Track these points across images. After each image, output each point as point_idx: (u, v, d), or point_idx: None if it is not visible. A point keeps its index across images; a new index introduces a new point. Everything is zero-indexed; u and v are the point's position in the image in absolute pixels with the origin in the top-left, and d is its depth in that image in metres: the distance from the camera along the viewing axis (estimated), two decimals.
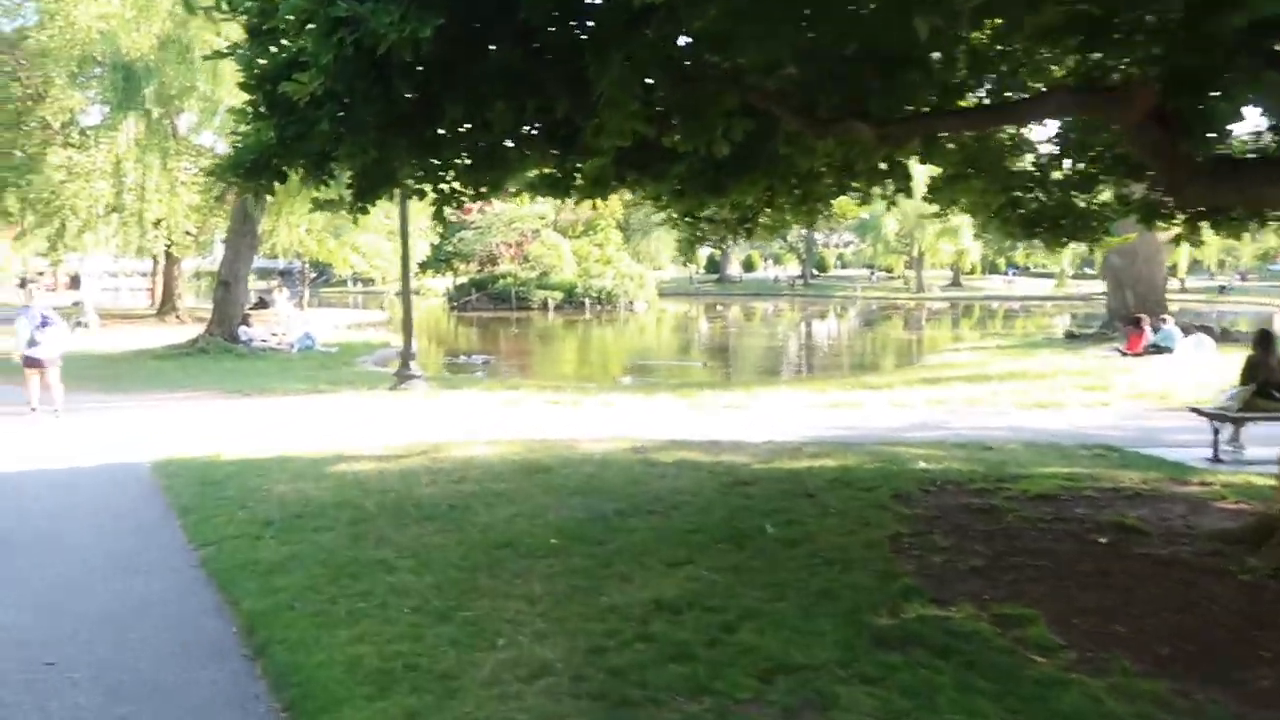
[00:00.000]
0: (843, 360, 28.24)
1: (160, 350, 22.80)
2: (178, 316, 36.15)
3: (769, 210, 7.93)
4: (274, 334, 26.44)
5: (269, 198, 22.66)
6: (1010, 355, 21.82)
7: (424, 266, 42.60)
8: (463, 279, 57.80)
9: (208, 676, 4.12)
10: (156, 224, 29.67)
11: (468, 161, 5.62)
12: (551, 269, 55.23)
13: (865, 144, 5.38)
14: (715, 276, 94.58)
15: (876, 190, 6.95)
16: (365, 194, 5.65)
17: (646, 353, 32.36)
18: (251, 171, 5.04)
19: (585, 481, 7.53)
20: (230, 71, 21.25)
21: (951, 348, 24.89)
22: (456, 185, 5.79)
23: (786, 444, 9.63)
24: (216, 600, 5.01)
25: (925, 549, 5.77)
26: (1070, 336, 25.66)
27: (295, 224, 24.62)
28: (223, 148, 32.75)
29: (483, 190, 5.92)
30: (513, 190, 6.30)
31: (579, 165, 6.07)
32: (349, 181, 5.56)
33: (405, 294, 15.84)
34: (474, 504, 6.78)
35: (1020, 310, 59.57)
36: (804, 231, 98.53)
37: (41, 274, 58.38)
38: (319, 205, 5.70)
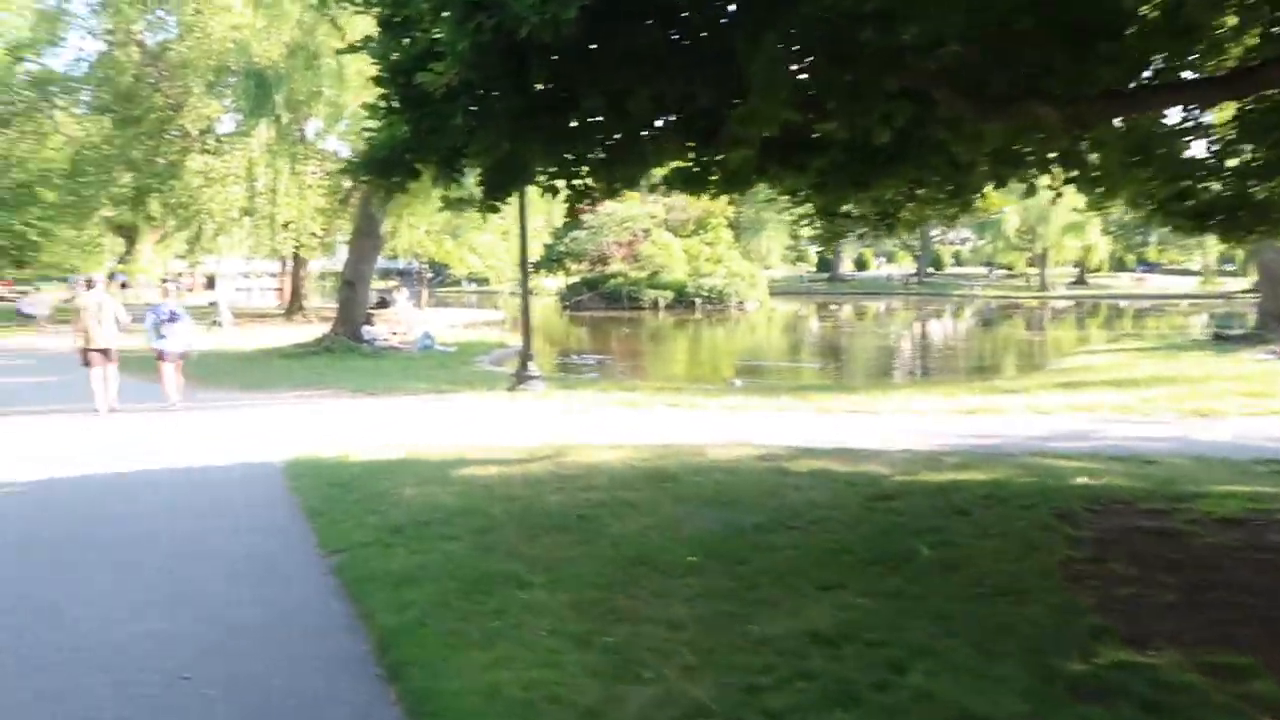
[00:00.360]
0: (967, 362, 27.03)
1: (289, 349, 23.57)
2: (304, 316, 37.50)
3: (912, 205, 7.40)
4: (394, 333, 27.07)
5: (392, 199, 23.15)
6: (1154, 358, 20.37)
7: (537, 266, 42.94)
8: (574, 278, 58.30)
9: (343, 698, 3.93)
10: (285, 226, 30.80)
11: (602, 155, 5.33)
12: (662, 268, 55.10)
13: (1047, 127, 4.84)
14: (826, 275, 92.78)
15: (1044, 180, 6.34)
16: (496, 190, 5.42)
17: (760, 353, 31.77)
18: (384, 168, 4.87)
19: (716, 492, 7.16)
20: (355, 75, 21.83)
21: (1087, 349, 23.48)
22: (590, 180, 5.51)
23: (925, 453, 9.04)
24: (349, 613, 4.86)
25: (1105, 579, 5.17)
26: (1219, 338, 23.84)
27: (416, 225, 25.10)
28: (346, 151, 33.80)
29: (616, 185, 5.62)
30: (647, 185, 5.97)
31: (717, 158, 5.71)
32: (480, 178, 5.35)
33: (524, 295, 15.80)
34: (603, 514, 6.50)
35: (1152, 309, 56.18)
36: (921, 228, 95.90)
37: (181, 274, 61.74)
38: (449, 204, 5.51)
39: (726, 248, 62.25)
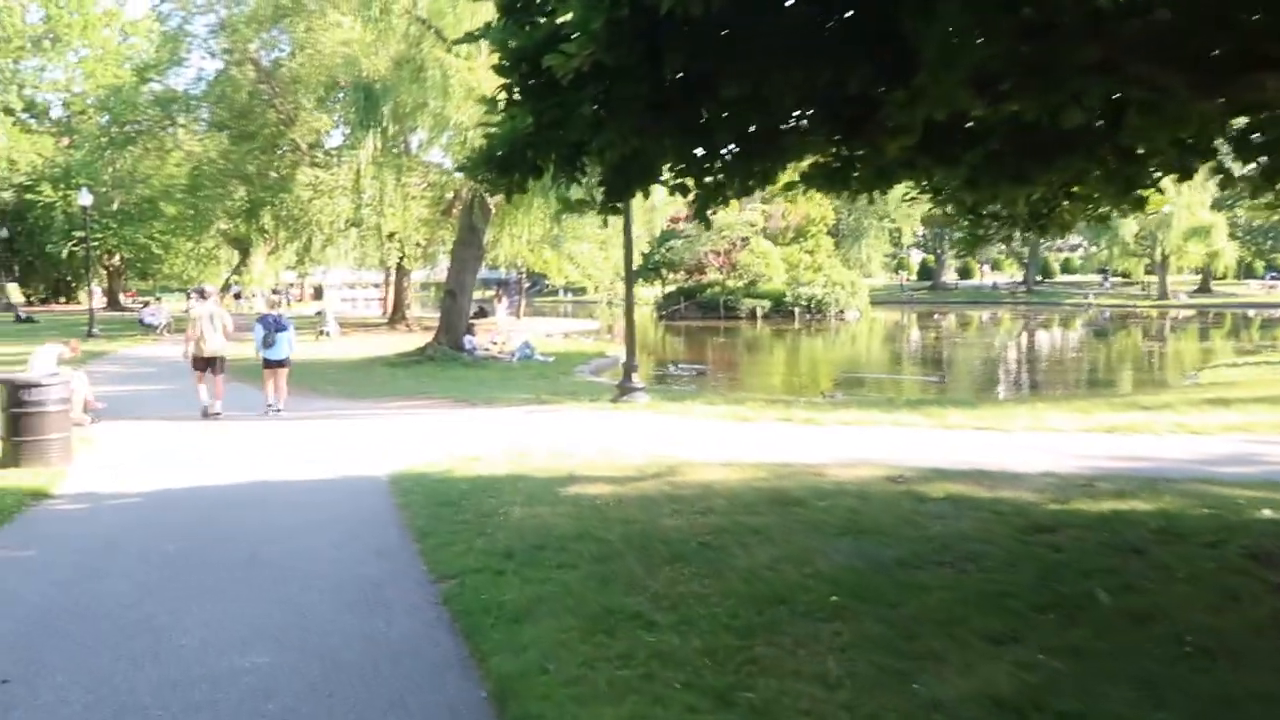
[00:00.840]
0: (1089, 375, 25.49)
1: (392, 357, 23.80)
2: (407, 325, 38.12)
3: (1070, 202, 6.65)
4: (494, 343, 27.12)
5: (510, 198, 23.20)
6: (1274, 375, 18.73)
7: (635, 275, 42.79)
8: (670, 288, 57.94)
9: None
10: (390, 237, 31.30)
11: (737, 150, 4.83)
12: (760, 277, 54.29)
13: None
14: (928, 284, 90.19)
15: (1245, 170, 5.55)
16: (619, 191, 4.98)
17: (865, 365, 30.72)
18: (504, 165, 4.47)
19: (848, 519, 6.54)
20: (458, 86, 21.93)
21: (1224, 362, 21.76)
22: (722, 177, 5.00)
23: (1073, 478, 8.20)
24: (462, 652, 4.44)
25: None
26: None
27: (518, 235, 25.05)
28: (449, 163, 34.24)
29: (751, 184, 5.11)
30: (781, 184, 5.44)
31: (861, 152, 5.15)
32: (602, 177, 4.91)
33: (629, 305, 15.39)
34: (728, 542, 5.97)
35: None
36: (1029, 235, 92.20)
37: (290, 286, 63.90)
38: (567, 206, 5.09)
39: (826, 256, 61.00)
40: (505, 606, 4.87)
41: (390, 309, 42.34)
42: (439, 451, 10.09)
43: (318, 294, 68.05)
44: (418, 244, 33.25)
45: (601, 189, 4.98)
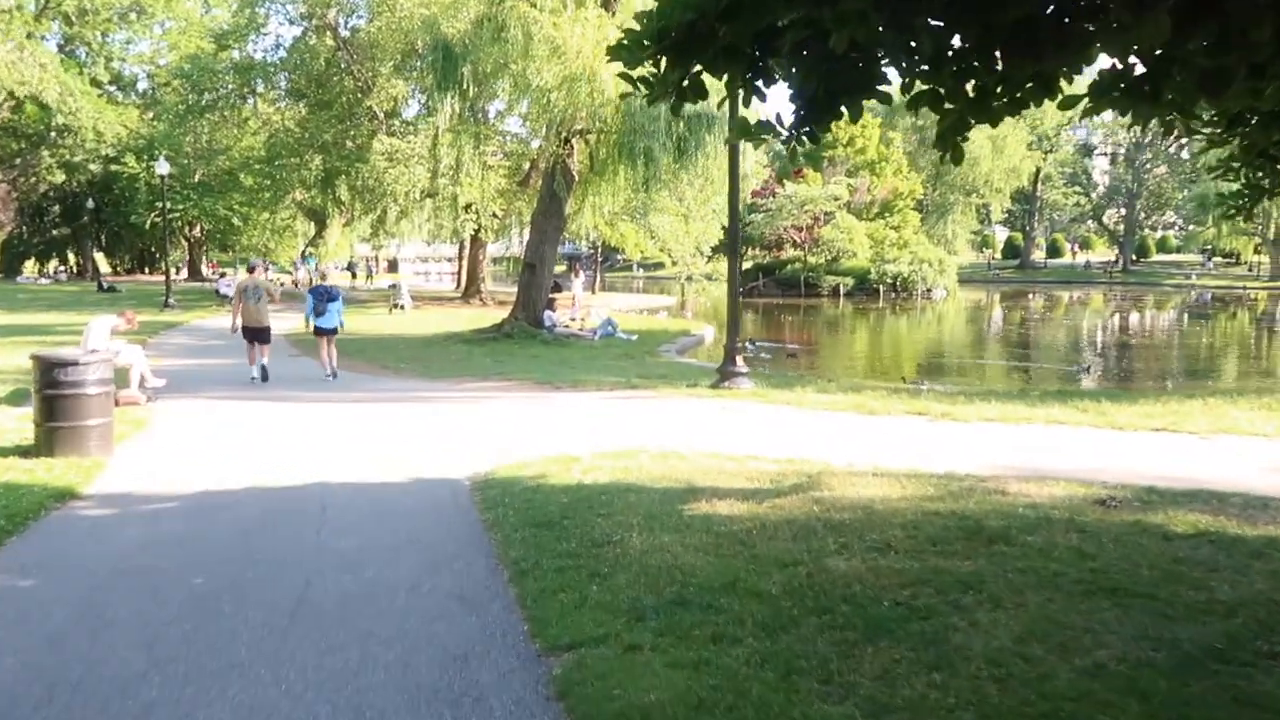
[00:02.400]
0: (1243, 365, 23.00)
1: (468, 334, 22.56)
2: (481, 299, 37.05)
3: None
4: (573, 319, 25.74)
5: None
6: None
7: (715, 251, 40.97)
8: (747, 263, 55.95)
9: None
10: (467, 208, 30.10)
11: (1014, 39, 3.16)
12: (843, 253, 51.98)
13: None
14: (1015, 262, 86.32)
15: None
16: (825, 108, 3.36)
17: (973, 349, 28.54)
18: (680, 46, 2.88)
19: (1085, 569, 4.84)
20: (542, 45, 20.44)
21: None
22: (987, 83, 3.33)
23: None
24: None
25: None
26: None
27: (600, 205, 23.49)
28: (526, 132, 32.87)
29: (1019, 96, 3.43)
30: (1058, 97, 3.72)
31: (1171, 55, 3.45)
32: (800, 85, 3.30)
33: (732, 280, 13.69)
34: (937, 605, 4.34)
35: None
36: (1123, 210, 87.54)
37: (367, 259, 63.63)
38: (745, 131, 3.47)
39: (913, 231, 58.31)
40: (650, 713, 3.33)
41: (465, 283, 41.35)
42: (526, 446, 8.65)
43: (392, 267, 67.86)
44: (494, 215, 32.01)
45: (798, 105, 3.37)
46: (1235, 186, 5.11)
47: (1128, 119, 4.28)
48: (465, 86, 21.76)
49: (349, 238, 52.53)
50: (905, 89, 3.30)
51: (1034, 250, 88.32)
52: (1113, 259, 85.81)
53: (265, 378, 13.72)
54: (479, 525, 6.03)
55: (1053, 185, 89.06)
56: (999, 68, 3.22)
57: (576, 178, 22.28)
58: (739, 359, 13.37)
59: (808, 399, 12.18)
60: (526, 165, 33.14)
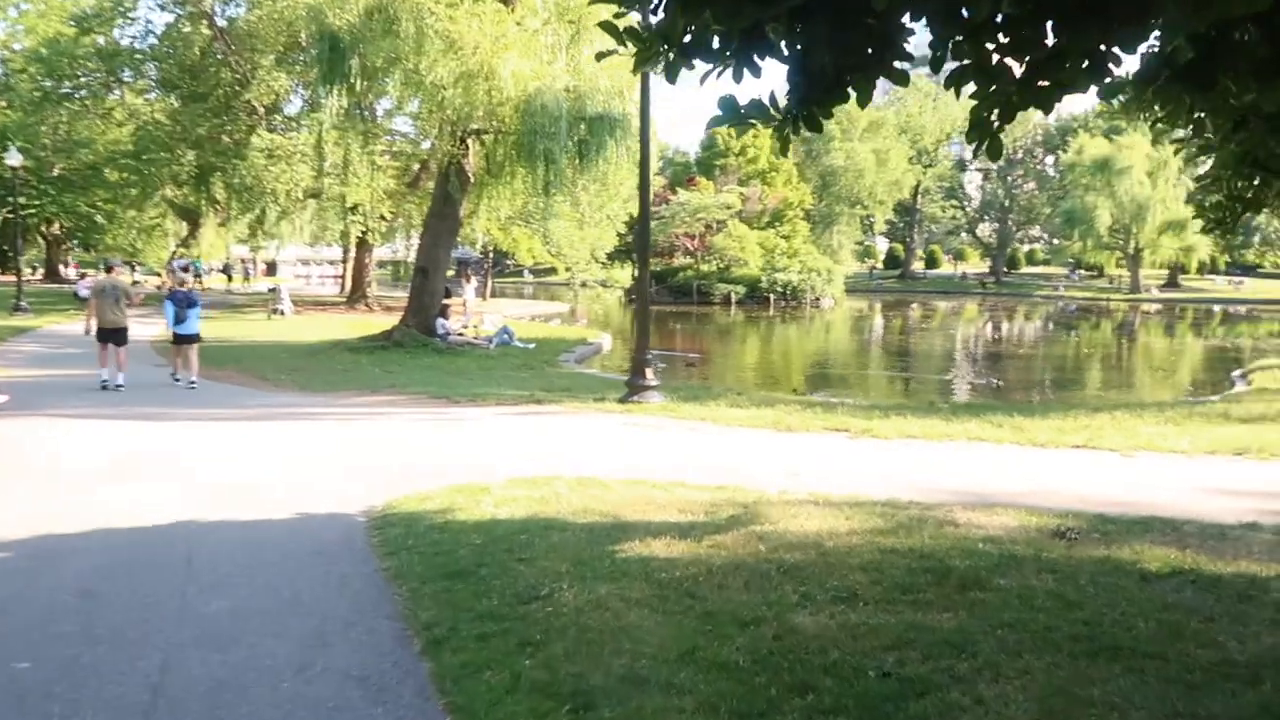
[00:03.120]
0: (1128, 376, 23.77)
1: (355, 342, 21.23)
2: (367, 305, 35.43)
3: None
4: (466, 326, 24.65)
5: (472, 176, 20.56)
6: None
7: (611, 257, 40.39)
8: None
9: None
10: (354, 209, 28.60)
11: (1043, 10, 2.58)
12: (735, 261, 52.25)
13: None
14: (897, 272, 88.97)
15: None
16: (829, 88, 2.71)
17: (874, 359, 28.78)
18: None
19: (1074, 620, 4.31)
20: (436, 40, 19.39)
21: (1273, 363, 19.99)
22: (1015, 64, 2.75)
23: None
24: None
25: None
26: None
27: (496, 207, 22.49)
28: (415, 131, 31.53)
29: (1068, 75, 2.83)
30: (1107, 79, 3.12)
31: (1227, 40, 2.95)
32: (801, 63, 2.65)
33: (642, 285, 13.05)
34: (928, 673, 3.74)
35: (1247, 315, 51.92)
36: (996, 225, 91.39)
37: (244, 261, 60.38)
38: (734, 113, 2.79)
39: (803, 241, 59.20)
40: None
41: (349, 287, 39.52)
42: (428, 473, 7.77)
43: (271, 270, 64.66)
44: (382, 217, 30.57)
45: (796, 84, 2.71)
46: (1217, 198, 4.73)
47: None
48: (353, 81, 20.47)
49: (225, 239, 49.65)
50: (935, 65, 2.67)
51: (914, 261, 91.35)
52: (986, 270, 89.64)
53: (118, 385, 13.01)
54: (379, 577, 5.15)
55: (931, 199, 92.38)
56: (1052, 40, 2.62)
57: (472, 179, 21.29)
58: (649, 372, 12.73)
59: (722, 414, 11.65)
60: (417, 166, 31.81)
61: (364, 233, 30.81)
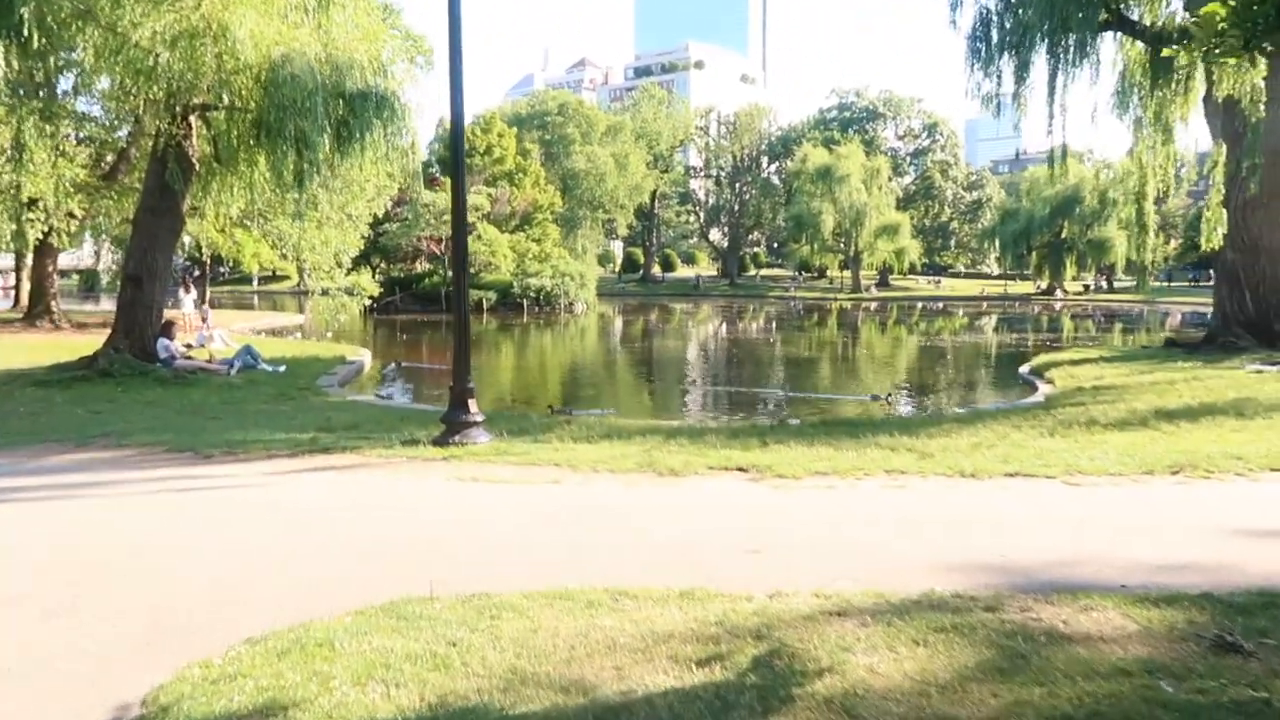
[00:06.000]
0: (930, 377, 23.82)
1: (43, 372, 16.45)
2: (52, 322, 29.21)
3: None
4: (190, 346, 20.26)
5: (197, 163, 16.58)
6: (1127, 372, 17.58)
7: (356, 262, 36.27)
8: (380, 278, 51.24)
9: None
10: (32, 204, 22.96)
11: None
12: (486, 266, 49.50)
13: None
14: (638, 276, 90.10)
15: None
16: None
17: (672, 367, 27.33)
18: None
19: None
20: None
21: (1064, 359, 20.48)
22: None
23: None
24: None
25: None
26: (1174, 344, 21.87)
27: (230, 202, 18.37)
28: (113, 109, 26.15)
29: None
30: None
31: None
32: None
33: (460, 294, 10.32)
34: None
35: (944, 309, 57.69)
36: (726, 230, 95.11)
37: None
38: None
39: (554, 245, 57.59)
40: None
41: (27, 300, 32.57)
42: (206, 607, 4.82)
43: None
44: (71, 215, 24.99)
45: None
46: None
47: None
48: (28, 38, 15.69)
49: None
50: None
51: (653, 265, 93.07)
52: (718, 273, 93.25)
53: None
54: None
55: (668, 204, 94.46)
56: None
57: (197, 166, 17.23)
58: (472, 404, 10.07)
59: (574, 454, 9.29)
60: (113, 156, 26.42)
61: (47, 233, 25.01)
